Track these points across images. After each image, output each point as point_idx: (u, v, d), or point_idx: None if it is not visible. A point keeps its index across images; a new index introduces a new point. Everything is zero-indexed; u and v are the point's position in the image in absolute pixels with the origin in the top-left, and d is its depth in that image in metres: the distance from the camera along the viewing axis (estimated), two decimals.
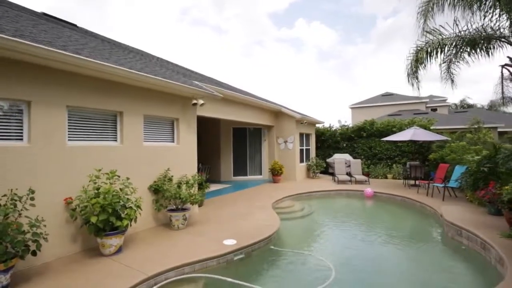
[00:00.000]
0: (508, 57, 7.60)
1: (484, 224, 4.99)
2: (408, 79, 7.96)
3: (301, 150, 13.36)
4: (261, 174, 13.07)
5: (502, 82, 8.19)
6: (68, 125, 4.19)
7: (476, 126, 11.82)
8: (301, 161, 13.33)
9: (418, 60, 7.64)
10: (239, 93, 10.04)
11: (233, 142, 12.77)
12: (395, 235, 5.84)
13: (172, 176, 5.61)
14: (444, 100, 26.24)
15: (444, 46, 7.77)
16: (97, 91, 4.50)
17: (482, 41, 8.02)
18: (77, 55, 3.76)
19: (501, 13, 7.54)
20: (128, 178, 4.39)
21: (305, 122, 12.97)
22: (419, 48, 7.80)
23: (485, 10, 7.67)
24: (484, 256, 4.27)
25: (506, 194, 3.90)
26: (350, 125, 15.13)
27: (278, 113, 12.68)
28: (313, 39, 73.49)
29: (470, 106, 31.82)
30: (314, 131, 15.25)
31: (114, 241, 4.00)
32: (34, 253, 3.27)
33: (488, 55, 8.33)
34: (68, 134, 4.19)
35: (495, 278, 3.75)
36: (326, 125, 16.30)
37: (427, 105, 25.01)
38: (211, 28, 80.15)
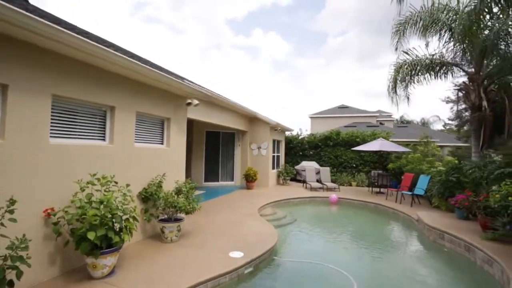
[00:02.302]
0: (464, 82, 8.84)
1: (459, 228, 5.58)
2: (389, 93, 8.67)
3: (273, 157, 13.44)
4: (233, 180, 12.72)
5: (458, 103, 9.44)
6: (51, 119, 3.41)
7: (425, 140, 13.48)
8: (273, 167, 13.40)
9: (397, 79, 8.39)
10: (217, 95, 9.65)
11: (205, 146, 12.21)
12: (382, 241, 6.16)
13: (162, 182, 5.01)
14: (390, 116, 29.51)
15: (415, 67, 8.69)
16: (89, 81, 3.78)
17: (439, 67, 9.22)
18: (84, 38, 3.11)
19: (455, 44, 8.79)
20: (128, 185, 3.75)
21: (279, 129, 13.12)
22: (398, 66, 8.59)
23: (443, 41, 8.87)
24: (468, 257, 4.75)
25: (495, 202, 4.45)
26: (318, 134, 15.80)
27: (252, 119, 12.56)
28: (268, 48, 76.17)
29: (408, 122, 36.44)
30: (284, 138, 15.53)
31: (108, 261, 3.34)
32: (11, 284, 2.51)
33: (441, 79, 9.65)
34: (51, 129, 3.41)
35: (483, 276, 4.19)
36: (294, 133, 16.77)
37: (377, 119, 27.77)
38: (166, 26, 76.63)
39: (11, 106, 2.94)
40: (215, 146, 12.42)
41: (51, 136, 3.40)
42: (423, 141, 13.41)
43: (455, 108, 17.52)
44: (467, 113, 18.46)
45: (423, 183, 8.61)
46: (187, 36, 79.24)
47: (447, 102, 17.80)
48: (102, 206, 3.33)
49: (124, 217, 3.55)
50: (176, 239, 4.77)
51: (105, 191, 3.55)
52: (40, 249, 3.18)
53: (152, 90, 4.97)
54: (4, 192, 2.80)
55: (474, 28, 7.14)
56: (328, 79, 73.81)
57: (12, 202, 2.58)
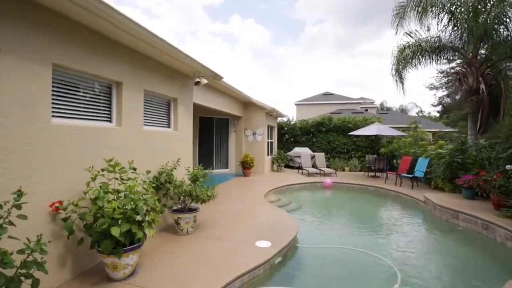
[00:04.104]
0: (462, 66, 8.94)
1: (471, 207, 5.66)
2: (392, 76, 8.58)
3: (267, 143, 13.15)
4: (227, 168, 12.31)
5: (455, 87, 9.57)
6: (52, 95, 2.80)
7: (414, 126, 13.84)
8: (267, 154, 13.13)
9: (403, 58, 8.28)
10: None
11: (199, 132, 11.61)
12: (395, 223, 6.12)
13: (174, 169, 4.53)
14: (372, 102, 30.23)
15: (418, 49, 8.61)
16: (94, 51, 3.17)
17: (438, 51, 9.23)
18: None
19: (454, 28, 8.82)
20: (149, 171, 3.27)
21: (274, 114, 12.78)
22: (401, 48, 8.47)
23: (442, 25, 8.85)
24: (487, 235, 4.81)
25: None
26: (310, 120, 15.68)
27: (247, 104, 12.07)
28: (247, 35, 74.88)
29: (388, 108, 37.70)
30: (277, 124, 15.24)
31: (131, 259, 2.89)
32: None
33: (437, 63, 9.71)
34: (53, 107, 2.81)
35: (507, 252, 4.23)
36: (284, 119, 16.52)
37: (361, 106, 28.31)
38: (141, 10, 72.20)
39: (4, 74, 2.32)
40: (209, 132, 11.86)
41: (52, 116, 2.81)
42: (412, 126, 13.75)
43: (438, 94, 18.23)
44: (448, 99, 19.35)
45: (422, 165, 8.76)
46: (162, 21, 75.41)
47: (431, 88, 18.40)
48: (121, 197, 2.85)
49: (144, 209, 3.09)
50: (192, 230, 4.36)
51: (121, 179, 3.04)
52: (48, 250, 2.64)
53: (159, 67, 4.38)
54: (4, 183, 2.24)
55: (480, 7, 7.14)
56: (307, 67, 74.14)
57: (20, 194, 2.04)
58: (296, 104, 30.32)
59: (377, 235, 5.42)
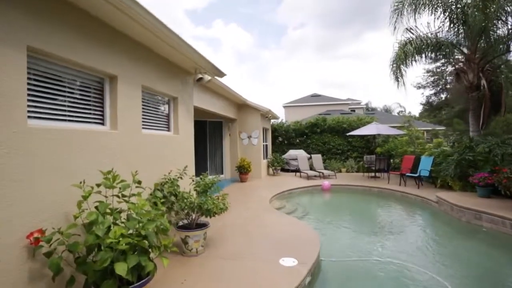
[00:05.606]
0: (461, 62, 8.86)
1: (491, 206, 5.38)
2: (394, 73, 8.34)
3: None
4: (222, 174, 11.65)
5: (455, 83, 9.50)
6: (28, 91, 2.13)
7: (407, 124, 13.84)
8: (263, 157, 12.61)
9: (404, 53, 8.06)
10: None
11: None
12: (414, 227, 5.73)
13: (178, 179, 3.89)
14: (359, 103, 30.54)
15: (419, 45, 8.43)
16: (81, 35, 2.52)
17: (438, 47, 9.11)
18: None
19: (451, 25, 8.75)
20: (157, 185, 2.62)
21: (270, 116, 12.31)
22: (403, 44, 8.25)
23: (439, 21, 8.76)
24: None
25: None
26: (304, 121, 15.34)
27: (241, 105, 11.53)
28: (231, 40, 74.88)
29: (373, 109, 38.37)
30: (270, 126, 14.78)
31: None
32: None
33: (431, 59, 9.65)
34: (29, 106, 2.14)
35: None
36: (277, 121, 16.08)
37: (349, 107, 28.46)
38: None
39: None
40: (202, 136, 11.16)
41: (29, 117, 2.14)
42: (405, 125, 13.72)
43: (425, 93, 18.56)
44: (435, 98, 19.68)
45: (426, 164, 8.54)
46: None
47: (418, 87, 18.65)
48: (121, 218, 2.21)
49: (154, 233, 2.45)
50: (201, 250, 3.72)
51: (123, 196, 2.39)
52: None
53: (158, 59, 3.76)
54: None
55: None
56: (292, 70, 74.77)
57: None
58: (284, 106, 30.05)
59: (399, 241, 4.99)
